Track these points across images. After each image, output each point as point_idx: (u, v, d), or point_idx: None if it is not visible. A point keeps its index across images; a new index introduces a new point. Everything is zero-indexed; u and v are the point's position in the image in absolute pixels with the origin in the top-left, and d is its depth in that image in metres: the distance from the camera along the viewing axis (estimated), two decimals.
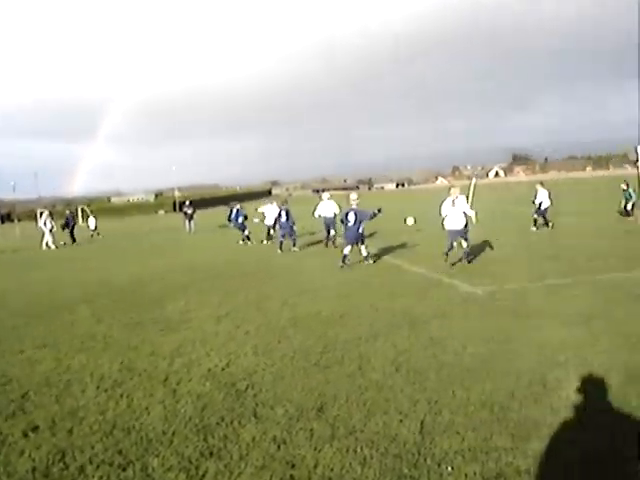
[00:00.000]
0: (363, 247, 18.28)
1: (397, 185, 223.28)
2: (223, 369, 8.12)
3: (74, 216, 43.58)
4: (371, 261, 18.19)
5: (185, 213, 40.75)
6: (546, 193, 25.77)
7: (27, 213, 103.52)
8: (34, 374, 8.44)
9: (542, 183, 26.87)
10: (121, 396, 7.24)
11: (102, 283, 17.50)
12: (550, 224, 25.30)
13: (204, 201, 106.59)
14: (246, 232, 28.35)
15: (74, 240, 37.93)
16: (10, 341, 10.63)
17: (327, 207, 23.86)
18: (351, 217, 17.89)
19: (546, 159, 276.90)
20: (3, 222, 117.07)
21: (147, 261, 23.58)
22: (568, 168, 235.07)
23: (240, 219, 28.28)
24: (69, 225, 38.97)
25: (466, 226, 16.77)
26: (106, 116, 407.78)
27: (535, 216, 25.81)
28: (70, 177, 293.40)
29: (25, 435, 6.20)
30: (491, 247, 19.21)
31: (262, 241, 27.49)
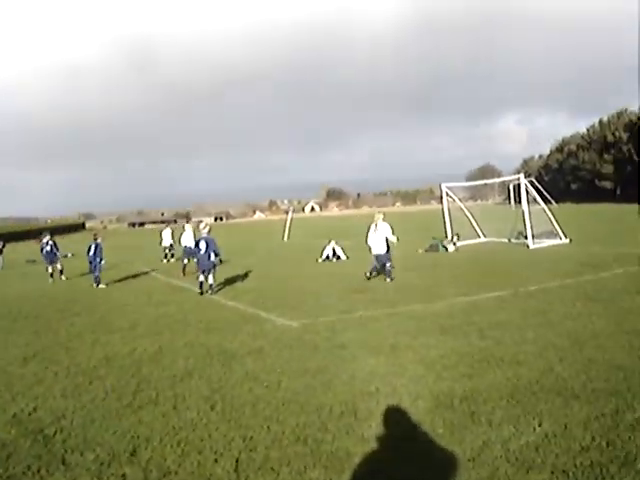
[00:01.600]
0: (211, 276, 18.67)
1: (215, 219, 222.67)
2: (30, 414, 7.71)
3: None
4: (214, 291, 18.62)
5: None
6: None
7: None
8: None
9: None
10: None
11: None
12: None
13: (13, 235, 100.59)
14: (58, 265, 26.66)
15: None
16: None
17: (189, 237, 25.73)
18: (202, 245, 18.49)
19: (359, 195, 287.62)
20: None
21: None
22: (379, 203, 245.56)
23: (45, 250, 26.59)
24: None
25: (388, 250, 19.00)
26: None
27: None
28: None
29: None
30: (304, 281, 19.72)
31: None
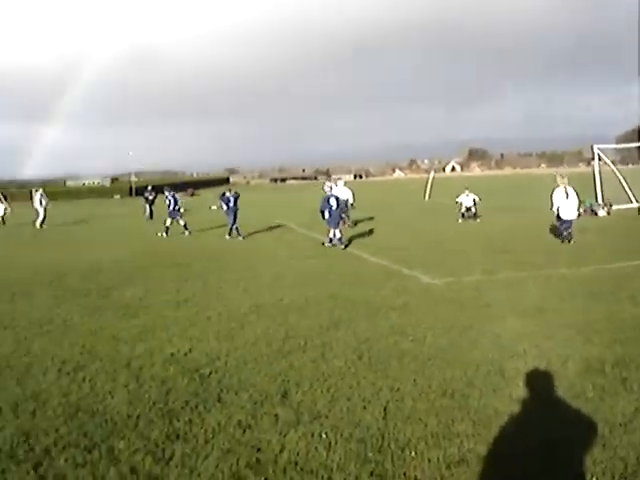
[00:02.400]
0: (338, 231, 19.43)
1: (355, 176, 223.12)
2: (186, 354, 8.14)
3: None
4: (342, 246, 19.04)
5: (146, 198, 39.67)
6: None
7: None
8: None
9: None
10: (84, 380, 7.21)
11: (59, 267, 17.22)
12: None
13: (160, 188, 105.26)
14: (182, 221, 26.62)
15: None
16: None
17: (342, 192, 25.31)
18: (333, 202, 19.32)
19: (502, 155, 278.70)
20: None
21: (105, 246, 23.21)
22: (523, 164, 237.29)
23: (171, 207, 26.67)
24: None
25: (579, 215, 19.78)
26: (63, 96, 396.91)
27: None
28: (24, 158, 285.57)
29: None
30: (446, 240, 19.58)
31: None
